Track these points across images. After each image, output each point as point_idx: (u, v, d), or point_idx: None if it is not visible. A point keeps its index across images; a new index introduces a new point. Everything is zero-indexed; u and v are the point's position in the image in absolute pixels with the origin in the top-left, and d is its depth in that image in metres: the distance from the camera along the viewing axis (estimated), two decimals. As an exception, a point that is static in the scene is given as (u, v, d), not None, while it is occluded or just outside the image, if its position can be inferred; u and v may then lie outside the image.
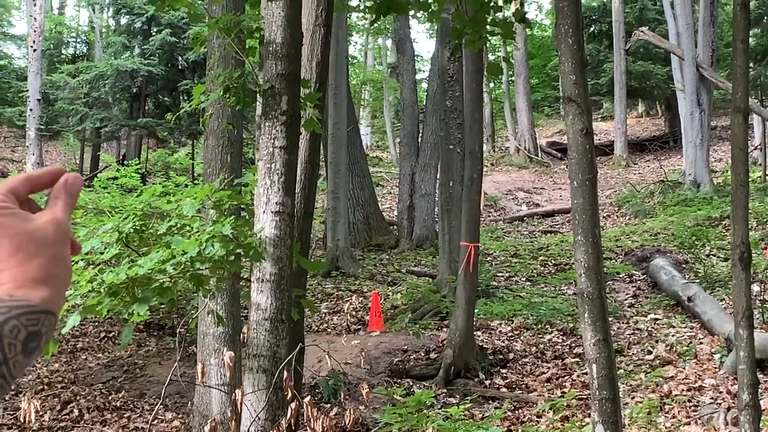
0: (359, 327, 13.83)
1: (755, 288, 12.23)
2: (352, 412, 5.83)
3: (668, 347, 11.74)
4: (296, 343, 6.10)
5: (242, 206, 6.67)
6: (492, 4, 5.66)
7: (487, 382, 11.27)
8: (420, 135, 22.98)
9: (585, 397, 9.37)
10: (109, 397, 10.95)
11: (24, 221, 1.02)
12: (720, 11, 30.91)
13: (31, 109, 30.07)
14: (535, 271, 18.14)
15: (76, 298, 5.30)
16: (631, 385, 10.33)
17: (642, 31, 29.66)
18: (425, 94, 25.68)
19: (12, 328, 0.93)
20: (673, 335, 12.34)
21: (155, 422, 10.04)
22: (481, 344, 12.26)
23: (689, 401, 9.54)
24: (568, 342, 12.57)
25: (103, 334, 13.51)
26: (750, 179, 6.48)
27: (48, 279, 1.00)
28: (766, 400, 8.40)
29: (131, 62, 27.65)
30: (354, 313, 14.14)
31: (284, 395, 5.46)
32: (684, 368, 10.75)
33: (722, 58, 31.89)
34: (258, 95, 5.87)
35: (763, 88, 31.73)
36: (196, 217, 5.96)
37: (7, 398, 10.07)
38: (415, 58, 28.77)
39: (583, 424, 8.87)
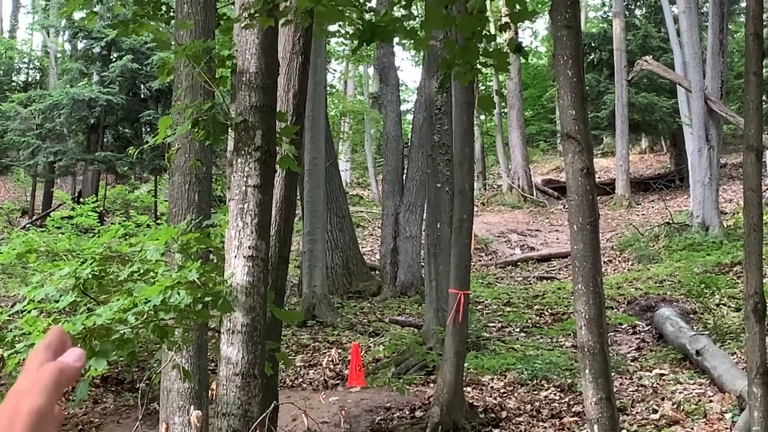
0: (338, 382, 13.78)
1: (770, 341, 12.24)
2: (330, 477, 5.79)
3: (675, 405, 11.72)
4: (269, 401, 6.07)
5: (211, 250, 6.66)
6: (485, 32, 5.71)
7: (478, 444, 11.23)
8: (405, 172, 23.03)
9: (585, 460, 9.35)
10: (61, 460, 10.84)
11: None
12: (730, 39, 31.18)
13: (-22, 142, 30.04)
14: (530, 321, 18.13)
15: (27, 352, 5.28)
16: (635, 447, 10.32)
17: (645, 61, 29.91)
18: (410, 126, 25.80)
19: None
20: (680, 392, 12.33)
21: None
22: (471, 401, 12.22)
23: (699, 465, 9.52)
24: (567, 399, 12.54)
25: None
26: (764, 222, 6.51)
27: None
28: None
29: (89, 90, 27.67)
30: (332, 366, 14.08)
31: (256, 458, 5.43)
32: (692, 428, 10.73)
33: (732, 90, 32.14)
34: (229, 129, 5.88)
35: (776, 123, 31.96)
36: (160, 262, 5.95)
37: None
38: (400, 87, 28.90)
39: (583, 490, 8.85)
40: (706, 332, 14.65)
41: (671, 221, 27.45)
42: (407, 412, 12.35)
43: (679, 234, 25.53)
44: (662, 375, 13.41)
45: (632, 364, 14.41)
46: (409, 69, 67.61)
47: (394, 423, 11.97)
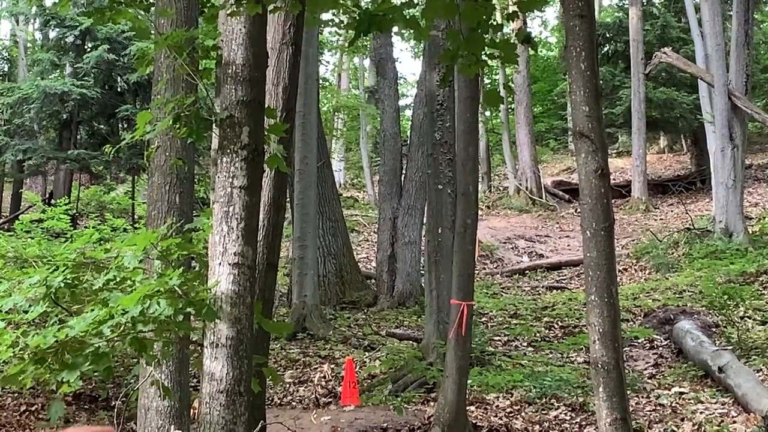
0: (330, 400, 13.77)
1: (798, 356, 12.25)
2: (321, 504, 5.80)
3: (696, 426, 11.72)
4: (256, 420, 6.07)
5: (193, 257, 6.65)
6: (491, 21, 5.71)
7: (482, 467, 11.23)
8: (403, 172, 23.02)
9: (598, 485, 9.34)
10: (30, 484, 10.83)
11: None
12: (756, 30, 31.18)
13: (-60, 138, 29.93)
14: (538, 334, 18.13)
15: (-5, 366, 5.28)
16: (652, 472, 10.32)
17: (664, 53, 29.89)
18: (410, 123, 25.77)
19: None
20: (701, 412, 12.33)
21: None
22: (474, 421, 12.21)
23: (721, 491, 9.52)
24: (578, 419, 12.54)
25: (24, 408, 13.36)
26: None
27: None
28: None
29: (61, 83, 27.59)
30: (324, 383, 14.09)
31: (242, 483, 5.42)
32: (715, 451, 10.74)
33: (758, 84, 32.18)
34: (214, 125, 5.87)
35: (805, 121, 32.03)
36: (138, 270, 5.95)
37: None
38: (398, 81, 28.91)
39: None
40: (730, 347, 14.66)
41: (692, 227, 27.43)
42: (405, 433, 12.35)
43: (700, 240, 25.50)
44: (682, 393, 13.41)
45: (649, 381, 14.41)
46: (408, 61, 67.96)
47: (392, 445, 11.97)
